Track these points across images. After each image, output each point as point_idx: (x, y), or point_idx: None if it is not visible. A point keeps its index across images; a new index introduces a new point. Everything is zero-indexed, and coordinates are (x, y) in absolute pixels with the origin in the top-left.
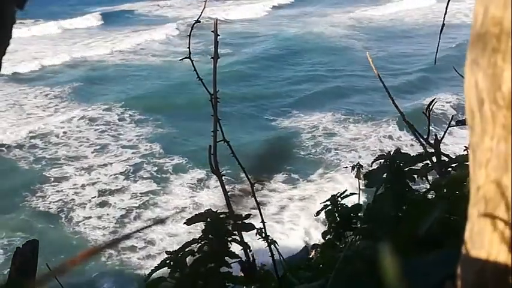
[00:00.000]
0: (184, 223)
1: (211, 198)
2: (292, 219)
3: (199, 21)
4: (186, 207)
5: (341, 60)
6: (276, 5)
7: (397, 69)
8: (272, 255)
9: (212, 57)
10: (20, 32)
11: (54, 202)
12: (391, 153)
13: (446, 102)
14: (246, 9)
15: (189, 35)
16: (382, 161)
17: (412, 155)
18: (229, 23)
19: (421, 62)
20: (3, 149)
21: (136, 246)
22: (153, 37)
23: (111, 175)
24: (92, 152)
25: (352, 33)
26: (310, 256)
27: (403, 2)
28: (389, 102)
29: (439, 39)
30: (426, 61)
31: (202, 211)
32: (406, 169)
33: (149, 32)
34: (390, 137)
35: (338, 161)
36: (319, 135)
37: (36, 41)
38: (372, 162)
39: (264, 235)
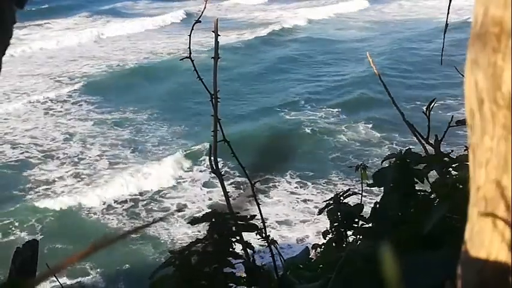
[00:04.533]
0: (189, 223)
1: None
2: (293, 219)
3: (200, 21)
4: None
5: None
6: None
7: None
8: (272, 255)
9: (212, 57)
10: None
11: None
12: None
13: None
14: (343, 6)
15: (190, 35)
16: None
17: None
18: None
19: None
20: None
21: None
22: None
23: None
24: None
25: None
26: (311, 256)
27: None
28: None
29: (444, 39)
30: None
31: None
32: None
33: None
34: None
35: None
36: None
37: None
38: (382, 161)
39: (264, 235)
